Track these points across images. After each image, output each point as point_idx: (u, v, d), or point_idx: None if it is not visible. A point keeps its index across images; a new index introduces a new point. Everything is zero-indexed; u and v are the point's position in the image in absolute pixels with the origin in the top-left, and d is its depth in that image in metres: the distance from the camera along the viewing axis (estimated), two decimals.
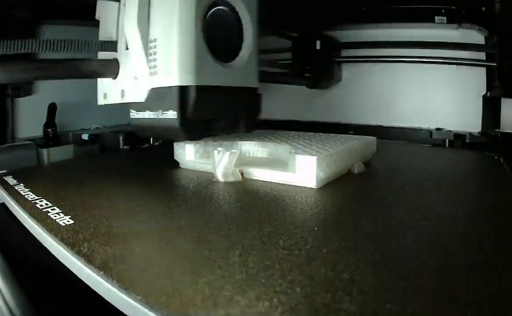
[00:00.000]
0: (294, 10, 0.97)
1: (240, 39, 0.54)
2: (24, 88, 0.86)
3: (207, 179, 0.54)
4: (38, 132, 0.84)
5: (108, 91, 0.56)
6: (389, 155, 0.75)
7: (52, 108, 0.84)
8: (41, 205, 0.44)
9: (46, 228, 0.37)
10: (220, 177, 0.52)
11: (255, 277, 0.26)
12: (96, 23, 0.78)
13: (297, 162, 0.49)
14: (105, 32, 0.56)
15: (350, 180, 0.55)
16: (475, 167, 0.71)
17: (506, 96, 0.85)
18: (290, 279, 0.26)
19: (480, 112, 0.94)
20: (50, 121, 0.83)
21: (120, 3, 0.53)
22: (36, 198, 0.46)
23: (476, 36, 0.91)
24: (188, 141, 0.59)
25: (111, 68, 0.53)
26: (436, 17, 0.91)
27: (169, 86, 0.47)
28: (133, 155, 0.85)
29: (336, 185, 0.51)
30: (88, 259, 0.30)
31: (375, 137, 0.72)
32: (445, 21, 0.90)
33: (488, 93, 0.91)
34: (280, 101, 1.19)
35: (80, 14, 0.87)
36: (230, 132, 0.57)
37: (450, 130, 0.94)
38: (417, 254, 0.31)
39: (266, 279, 0.26)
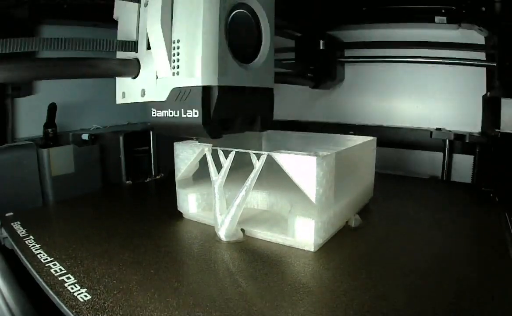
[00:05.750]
0: (298, 9, 0.96)
1: (259, 42, 0.55)
2: (24, 88, 0.86)
3: (210, 236, 0.57)
4: (38, 132, 0.83)
5: (127, 90, 0.56)
6: (386, 199, 0.76)
7: (52, 108, 0.84)
8: (55, 270, 0.46)
9: (67, 304, 0.38)
10: (223, 237, 0.55)
11: None
12: (95, 24, 0.78)
13: (296, 228, 0.52)
14: (125, 32, 0.56)
15: (346, 238, 0.57)
16: (470, 217, 0.70)
17: (506, 96, 0.85)
18: None
19: (480, 112, 0.94)
20: (50, 121, 0.83)
21: (140, 3, 0.53)
22: (49, 259, 0.48)
23: (476, 36, 0.91)
24: (194, 185, 0.65)
25: (132, 68, 0.53)
26: (436, 17, 0.91)
27: (192, 86, 0.47)
28: (136, 195, 0.87)
29: (333, 245, 0.54)
30: None
31: (375, 138, 0.72)
32: (445, 21, 0.90)
33: (488, 93, 0.92)
34: (281, 101, 1.19)
35: (80, 14, 0.88)
36: (247, 130, 0.58)
37: (450, 131, 0.94)
38: None
39: None
